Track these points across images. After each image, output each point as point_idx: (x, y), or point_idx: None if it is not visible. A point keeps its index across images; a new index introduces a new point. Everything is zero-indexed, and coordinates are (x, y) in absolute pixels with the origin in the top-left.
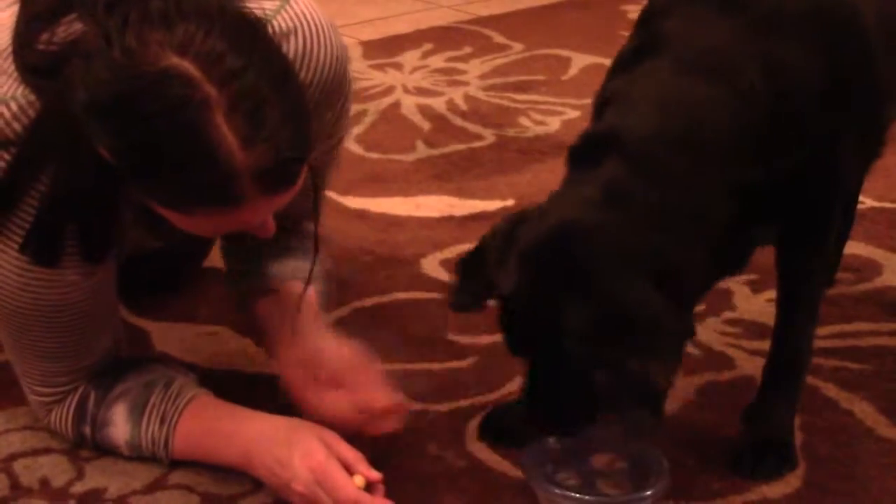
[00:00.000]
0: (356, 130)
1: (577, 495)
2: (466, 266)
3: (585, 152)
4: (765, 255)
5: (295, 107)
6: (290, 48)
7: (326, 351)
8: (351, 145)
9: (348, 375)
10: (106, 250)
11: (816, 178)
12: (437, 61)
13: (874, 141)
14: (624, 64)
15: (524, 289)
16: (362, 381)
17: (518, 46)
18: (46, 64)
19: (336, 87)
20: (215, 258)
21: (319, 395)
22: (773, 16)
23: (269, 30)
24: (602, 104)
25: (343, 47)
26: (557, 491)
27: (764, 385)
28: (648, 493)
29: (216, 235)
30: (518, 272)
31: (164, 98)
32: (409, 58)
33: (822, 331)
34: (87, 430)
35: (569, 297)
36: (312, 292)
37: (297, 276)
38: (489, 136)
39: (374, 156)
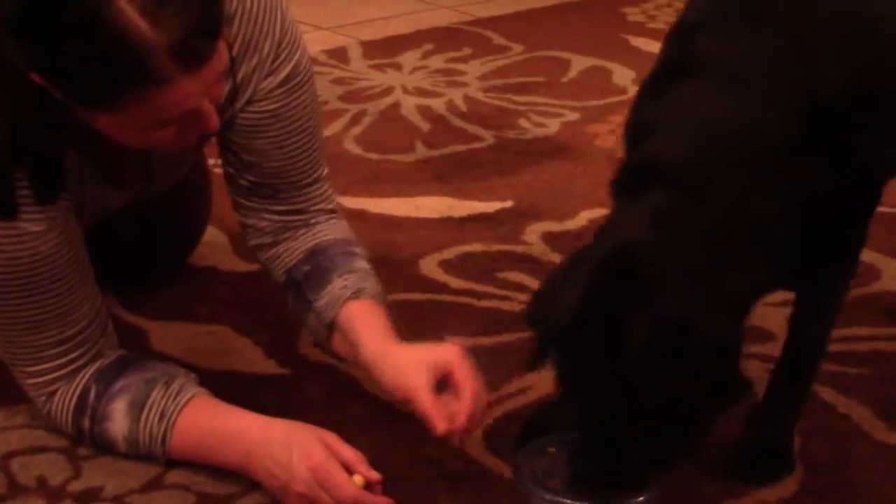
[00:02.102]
0: (355, 130)
1: (569, 501)
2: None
3: (628, 185)
4: None
5: None
6: None
7: (440, 352)
8: (350, 145)
9: (460, 376)
10: (57, 188)
11: (859, 188)
12: (437, 62)
13: None
14: (656, 88)
15: (581, 313)
16: (469, 380)
17: (518, 48)
18: None
19: (266, 19)
20: (215, 258)
21: (443, 400)
22: (802, 29)
23: None
24: (638, 132)
25: None
26: (548, 496)
27: (771, 391)
28: (641, 498)
29: (163, 140)
30: (575, 299)
31: None
32: (409, 58)
33: None
34: (86, 423)
35: (629, 314)
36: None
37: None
38: (488, 137)
39: (373, 156)
